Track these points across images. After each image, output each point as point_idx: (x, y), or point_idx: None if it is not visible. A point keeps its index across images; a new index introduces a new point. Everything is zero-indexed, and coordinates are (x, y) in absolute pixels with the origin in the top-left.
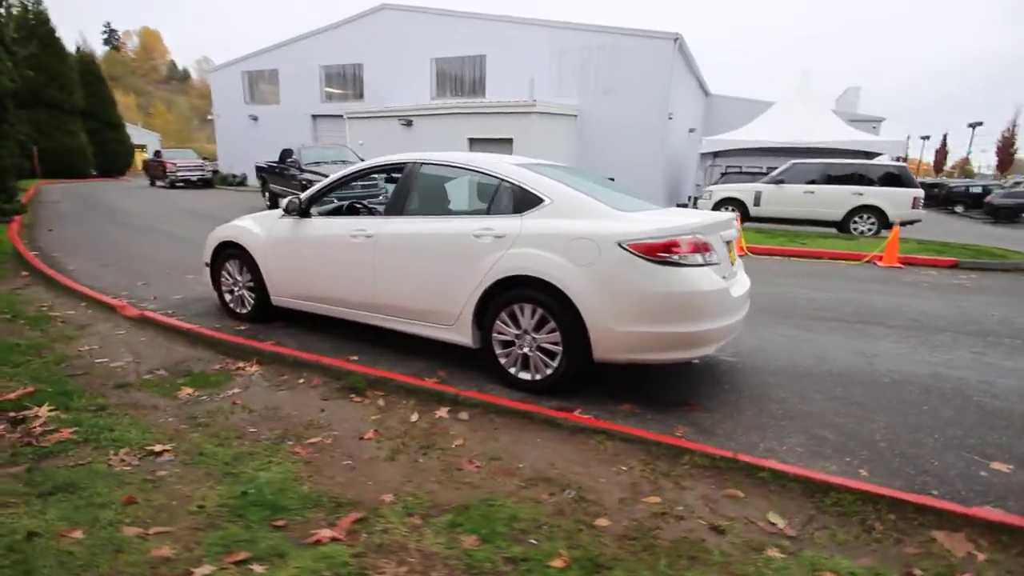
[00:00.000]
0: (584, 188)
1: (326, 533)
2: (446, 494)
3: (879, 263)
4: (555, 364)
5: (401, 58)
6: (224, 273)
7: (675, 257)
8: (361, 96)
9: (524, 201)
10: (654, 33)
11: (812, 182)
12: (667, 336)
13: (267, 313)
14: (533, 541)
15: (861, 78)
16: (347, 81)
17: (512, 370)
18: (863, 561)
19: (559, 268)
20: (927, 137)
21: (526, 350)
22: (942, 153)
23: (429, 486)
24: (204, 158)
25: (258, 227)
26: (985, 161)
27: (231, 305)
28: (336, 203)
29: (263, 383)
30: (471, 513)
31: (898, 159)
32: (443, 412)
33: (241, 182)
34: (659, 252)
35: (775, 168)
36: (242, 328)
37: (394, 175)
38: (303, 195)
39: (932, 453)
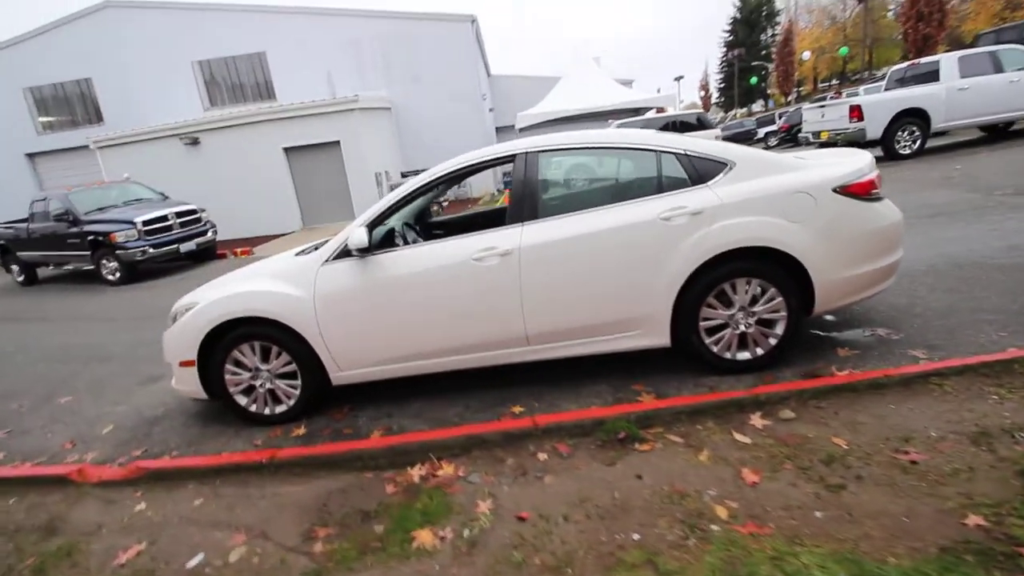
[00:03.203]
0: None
1: None
2: (993, 489)
3: None
4: (780, 332)
5: (148, 66)
6: (230, 366)
7: (876, 193)
8: (99, 119)
9: (703, 169)
10: (450, 16)
11: None
12: (877, 271)
13: (315, 403)
14: None
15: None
16: (72, 103)
17: (727, 354)
18: None
19: (779, 229)
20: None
21: (742, 328)
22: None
23: (953, 496)
24: None
25: (290, 286)
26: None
27: (252, 408)
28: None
29: (503, 481)
30: None
31: (659, 110)
32: (758, 420)
33: None
34: (868, 190)
35: None
36: (301, 433)
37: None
38: (364, 222)
39: None
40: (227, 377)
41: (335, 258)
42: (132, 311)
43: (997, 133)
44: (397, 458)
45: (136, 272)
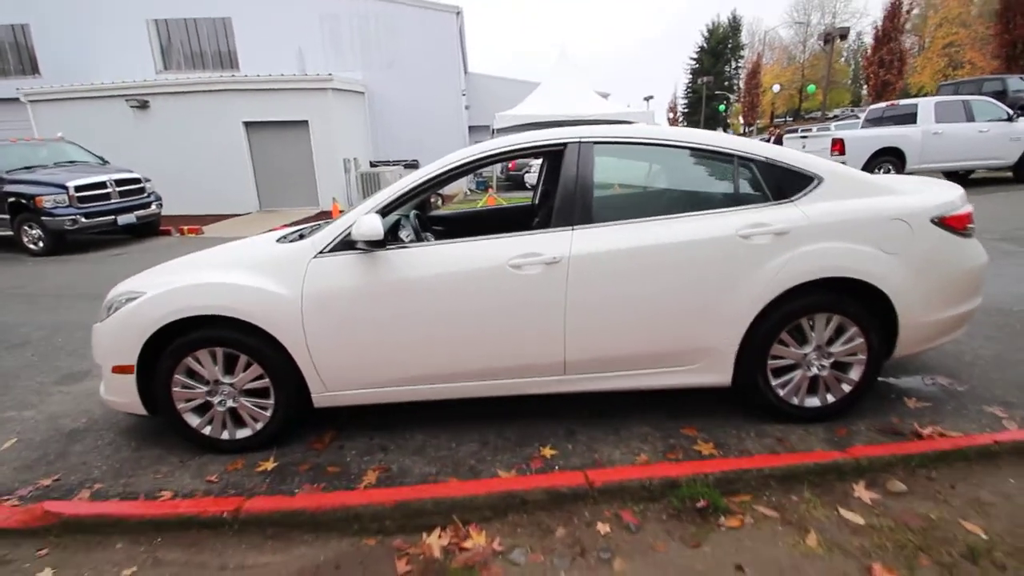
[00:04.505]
0: None
1: None
2: None
3: None
4: (855, 378)
5: (96, 19)
6: (181, 376)
7: (971, 228)
8: (35, 71)
9: (787, 182)
10: (436, 5)
11: None
12: (959, 316)
13: (288, 426)
14: None
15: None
16: (3, 50)
17: (795, 400)
18: None
19: (873, 260)
20: None
21: (814, 370)
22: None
23: None
24: None
25: (270, 280)
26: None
27: (207, 431)
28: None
29: (558, 563)
30: None
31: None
32: (863, 492)
33: None
34: (964, 225)
35: None
36: (270, 467)
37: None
38: (374, 208)
39: None
40: (176, 390)
41: (333, 249)
42: (56, 287)
43: (958, 180)
44: (408, 520)
45: (63, 243)
